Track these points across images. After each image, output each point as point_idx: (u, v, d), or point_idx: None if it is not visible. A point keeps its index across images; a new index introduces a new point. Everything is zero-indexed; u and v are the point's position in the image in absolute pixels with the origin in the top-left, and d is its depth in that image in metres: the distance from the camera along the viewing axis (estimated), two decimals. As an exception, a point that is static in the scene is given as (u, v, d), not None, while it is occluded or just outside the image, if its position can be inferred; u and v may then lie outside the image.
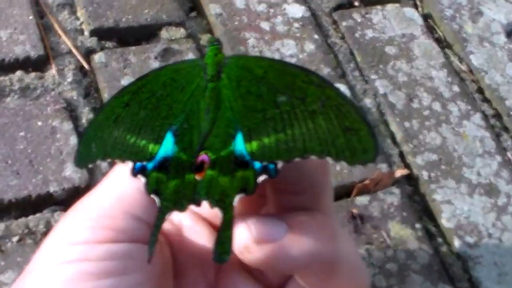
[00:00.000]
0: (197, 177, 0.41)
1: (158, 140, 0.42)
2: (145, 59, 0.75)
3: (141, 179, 0.41)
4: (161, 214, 0.41)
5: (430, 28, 0.86)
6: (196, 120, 0.42)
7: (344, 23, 0.84)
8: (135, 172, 0.42)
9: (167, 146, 0.42)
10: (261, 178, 0.39)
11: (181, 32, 0.79)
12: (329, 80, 0.42)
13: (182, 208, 0.41)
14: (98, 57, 0.74)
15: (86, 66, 0.73)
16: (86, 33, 0.76)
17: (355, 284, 0.45)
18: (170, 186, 0.41)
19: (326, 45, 0.80)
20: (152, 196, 0.41)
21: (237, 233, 0.41)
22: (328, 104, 0.39)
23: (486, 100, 0.81)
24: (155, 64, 0.74)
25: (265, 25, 0.80)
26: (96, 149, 0.43)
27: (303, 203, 0.44)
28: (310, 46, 0.80)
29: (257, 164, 0.40)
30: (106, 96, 0.71)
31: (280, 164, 0.39)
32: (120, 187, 0.43)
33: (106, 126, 0.43)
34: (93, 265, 0.39)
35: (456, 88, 0.80)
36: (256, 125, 0.40)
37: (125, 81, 0.72)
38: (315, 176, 0.43)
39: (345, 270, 0.43)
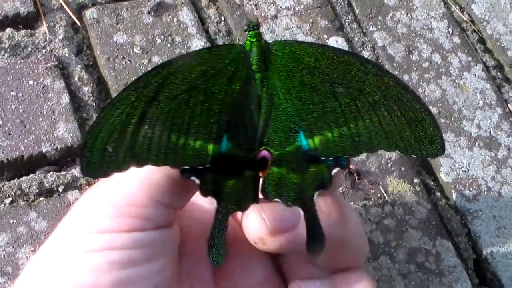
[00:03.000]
0: (261, 174, 0.40)
1: (218, 140, 0.39)
2: (138, 14, 0.73)
3: (195, 181, 0.39)
4: (223, 216, 0.39)
5: (430, -23, 0.84)
6: (248, 113, 0.40)
7: (342, -26, 0.81)
8: (187, 174, 0.39)
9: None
10: (334, 170, 0.39)
11: (174, -15, 0.77)
12: (386, 69, 0.40)
13: (244, 207, 0.39)
14: (89, 13, 0.72)
15: (77, 22, 0.72)
16: (78, -12, 0.75)
17: (358, 255, 0.46)
18: (229, 186, 0.39)
19: (323, -3, 0.79)
20: (209, 198, 0.39)
21: (251, 224, 0.41)
22: (389, 94, 0.38)
23: (487, 50, 0.79)
24: (148, 20, 0.73)
25: (260, -23, 0.78)
26: (117, 153, 0.38)
27: None
28: (307, -2, 0.78)
29: (328, 159, 0.39)
30: (98, 53, 0.70)
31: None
32: (145, 173, 0.40)
33: (126, 125, 0.38)
34: (119, 254, 0.39)
35: (456, 39, 0.78)
36: (316, 119, 0.39)
37: (118, 37, 0.71)
38: None
39: (351, 247, 0.44)
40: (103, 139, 0.37)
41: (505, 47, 0.78)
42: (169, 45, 0.71)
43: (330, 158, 0.39)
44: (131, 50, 0.70)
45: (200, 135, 0.39)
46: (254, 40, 0.41)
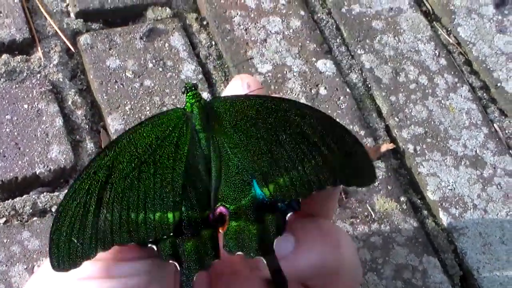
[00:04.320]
0: (220, 230, 0.41)
1: (175, 207, 0.40)
2: (130, 40, 0.75)
3: (153, 247, 0.40)
4: (187, 277, 0.40)
5: (417, 1, 0.86)
6: (197, 174, 0.41)
7: (330, -1, 0.84)
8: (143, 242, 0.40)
9: None
10: (288, 215, 0.40)
11: (167, 12, 0.79)
12: (315, 107, 0.42)
13: (206, 266, 0.40)
14: (83, 39, 0.74)
15: (72, 48, 0.74)
16: (72, 15, 0.77)
17: (353, 281, 0.47)
18: (187, 247, 0.40)
19: (312, 21, 0.80)
20: (171, 261, 0.40)
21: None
22: (325, 132, 0.40)
23: (473, 72, 0.81)
24: (140, 45, 0.74)
25: (251, 3, 0.80)
26: (83, 243, 0.39)
27: (313, 209, 0.45)
28: (296, 23, 0.80)
29: (281, 204, 0.40)
30: (91, 77, 0.72)
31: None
32: None
33: (85, 214, 0.39)
34: (115, 282, 0.39)
35: (443, 61, 0.80)
36: (267, 167, 0.41)
37: (111, 62, 0.73)
38: (330, 196, 0.45)
39: (346, 273, 0.45)
40: (66, 233, 0.39)
41: (491, 69, 0.80)
42: (160, 69, 0.73)
43: (284, 203, 0.40)
44: (123, 74, 0.72)
45: (157, 207, 0.40)
46: (194, 101, 0.42)
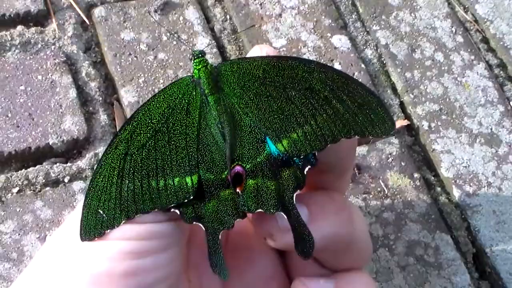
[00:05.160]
0: (238, 189, 0.41)
1: (192, 171, 0.41)
2: (144, 13, 0.75)
3: (176, 211, 0.41)
4: (212, 237, 0.41)
5: (435, -22, 0.85)
6: (210, 137, 0.42)
7: (347, -26, 0.83)
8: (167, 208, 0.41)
9: None
10: (306, 169, 0.40)
11: (182, -15, 0.79)
12: (324, 63, 0.42)
13: (229, 225, 0.41)
14: (98, 11, 0.74)
15: (86, 20, 0.74)
16: (87, -13, 0.77)
17: (362, 256, 0.47)
18: (209, 209, 0.41)
19: (328, -3, 0.80)
20: (195, 223, 0.41)
21: (262, 222, 0.43)
22: (336, 87, 0.41)
23: (490, 49, 0.80)
24: (155, 18, 0.74)
25: (266, -23, 0.80)
26: (109, 213, 0.40)
27: (327, 181, 0.46)
28: (311, -2, 0.79)
29: (296, 159, 0.41)
30: (105, 50, 0.72)
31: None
32: None
33: (109, 186, 0.41)
34: (132, 244, 0.40)
35: (459, 38, 0.79)
36: (279, 124, 0.41)
37: (125, 34, 0.73)
38: (347, 160, 0.45)
39: (356, 248, 0.45)
40: (93, 206, 0.41)
41: (508, 46, 0.79)
42: (174, 43, 0.73)
43: (301, 158, 0.41)
44: (137, 47, 0.72)
45: (175, 173, 0.41)
46: (200, 66, 0.43)
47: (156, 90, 0.69)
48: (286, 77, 0.41)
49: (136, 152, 0.41)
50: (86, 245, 0.40)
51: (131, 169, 0.41)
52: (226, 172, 0.42)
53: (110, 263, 0.39)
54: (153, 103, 0.42)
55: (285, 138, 0.41)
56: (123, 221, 0.40)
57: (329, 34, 0.76)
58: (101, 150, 0.65)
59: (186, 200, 0.41)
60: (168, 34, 0.73)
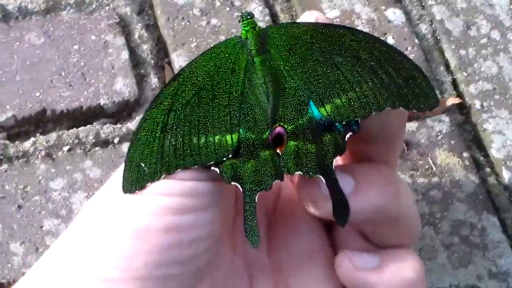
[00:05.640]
0: (278, 150, 0.41)
1: (233, 129, 0.41)
2: (199, -23, 0.74)
3: (216, 170, 0.41)
4: (249, 198, 0.41)
5: (495, -46, 0.83)
6: (254, 96, 0.42)
7: None
8: (207, 166, 0.41)
9: None
10: (348, 135, 0.40)
11: (237, -49, 0.78)
12: (372, 34, 0.42)
13: (267, 186, 0.41)
14: (153, -26, 0.74)
15: (140, -18, 0.74)
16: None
17: (409, 233, 0.46)
18: (248, 168, 0.41)
19: (384, -31, 0.79)
20: (233, 183, 0.41)
21: (305, 186, 0.43)
22: (382, 58, 0.41)
23: (549, 30, 0.78)
24: (209, -17, 0.74)
25: None
26: (150, 167, 0.41)
27: (374, 152, 0.45)
28: (367, -31, 0.78)
29: (338, 124, 0.41)
30: (158, 13, 0.72)
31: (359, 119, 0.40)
32: None
33: (152, 140, 0.41)
34: (173, 200, 0.40)
35: (517, 17, 0.77)
36: (323, 88, 0.41)
37: (179, -2, 0.72)
38: (392, 127, 0.44)
39: (403, 223, 0.45)
40: (136, 159, 0.41)
41: None
42: (228, 9, 0.73)
43: (343, 124, 0.41)
44: (190, 12, 0.72)
45: (216, 130, 0.41)
46: (248, 28, 0.43)
47: (208, 56, 0.69)
48: (333, 43, 0.41)
49: (180, 108, 0.41)
50: (129, 199, 0.41)
51: (174, 124, 0.41)
52: (267, 133, 0.42)
53: (151, 218, 0.40)
54: (200, 61, 0.43)
55: (329, 103, 0.41)
56: (163, 176, 0.40)
57: (383, 7, 0.75)
58: (151, 113, 0.66)
59: (225, 158, 0.41)
60: (222, 0, 0.73)
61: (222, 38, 0.71)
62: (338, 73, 0.41)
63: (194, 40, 0.70)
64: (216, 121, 0.41)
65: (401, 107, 0.40)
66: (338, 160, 0.47)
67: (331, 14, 0.74)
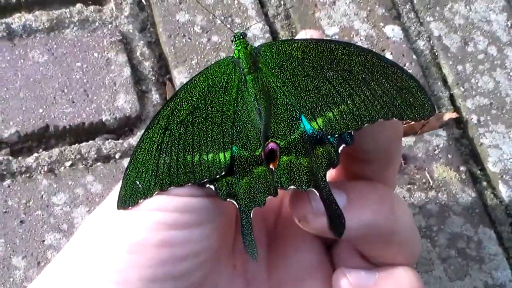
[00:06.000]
0: (271, 166, 0.42)
1: (226, 147, 0.42)
2: (200, -4, 0.76)
3: (211, 187, 0.42)
4: (244, 214, 0.42)
5: (493, -30, 0.84)
6: (246, 114, 0.43)
7: (403, -36, 0.82)
8: (203, 183, 0.42)
9: None
10: (341, 147, 0.41)
11: (238, -31, 0.79)
12: (366, 48, 0.42)
13: (261, 202, 0.42)
14: (155, -8, 0.76)
15: (143, 1, 0.75)
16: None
17: (408, 252, 0.46)
18: (242, 185, 0.42)
19: (382, -14, 0.80)
20: (229, 200, 0.42)
21: (296, 202, 0.43)
22: (375, 70, 0.41)
23: (546, 46, 0.79)
24: (210, 1, 0.75)
25: (322, -36, 0.80)
26: (144, 184, 0.42)
27: (371, 172, 0.46)
28: (366, -14, 0.79)
29: (331, 137, 0.41)
30: (160, 30, 0.73)
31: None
32: None
33: (148, 159, 0.42)
34: (169, 216, 0.41)
35: (514, 33, 0.78)
36: (315, 103, 0.42)
37: (180, 16, 0.74)
38: (388, 148, 0.45)
39: (400, 241, 0.45)
40: (132, 176, 0.42)
41: None
42: (228, 26, 0.74)
43: (335, 136, 0.41)
44: (191, 29, 0.73)
45: (209, 148, 0.42)
46: (240, 47, 0.44)
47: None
48: (324, 58, 0.42)
49: (175, 127, 0.42)
50: (126, 215, 0.42)
51: (169, 143, 0.42)
52: (260, 149, 0.42)
53: (145, 233, 0.41)
54: (195, 81, 0.44)
55: (320, 117, 0.41)
56: (156, 192, 0.41)
57: (382, 24, 0.77)
58: (152, 128, 0.67)
59: (218, 176, 0.42)
60: (223, 17, 0.74)
61: (223, 55, 0.72)
62: (329, 87, 0.41)
63: (195, 57, 0.72)
64: (209, 139, 0.42)
65: (394, 118, 0.40)
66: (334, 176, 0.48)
67: (330, 31, 0.75)
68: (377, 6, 0.78)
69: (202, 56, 0.72)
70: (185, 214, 0.41)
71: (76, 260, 0.42)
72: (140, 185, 0.42)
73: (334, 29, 0.75)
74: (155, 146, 0.42)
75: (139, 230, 0.41)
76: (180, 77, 0.70)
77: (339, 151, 0.41)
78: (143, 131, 0.63)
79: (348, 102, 0.41)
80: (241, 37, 0.45)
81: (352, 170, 0.46)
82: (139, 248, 0.40)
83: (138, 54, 0.72)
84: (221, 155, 0.42)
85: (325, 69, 0.42)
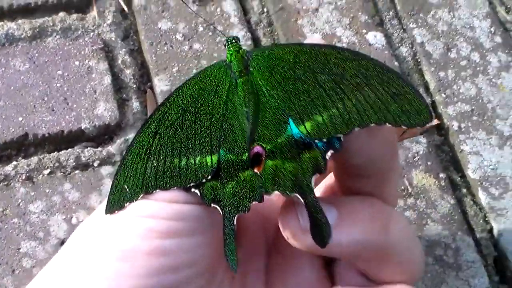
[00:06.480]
0: (256, 170, 0.41)
1: (213, 151, 0.42)
2: (183, 4, 0.76)
3: (196, 192, 0.41)
4: (228, 221, 0.41)
5: (478, -24, 0.84)
6: (235, 118, 0.43)
7: (387, -30, 0.83)
8: (188, 187, 0.41)
9: None
10: (328, 153, 0.40)
11: (222, -23, 0.80)
12: (362, 52, 0.41)
13: (245, 208, 0.41)
14: (138, 0, 0.76)
15: (126, 9, 0.75)
16: (129, -24, 0.78)
17: (407, 270, 0.45)
18: (227, 190, 0.41)
19: (366, -8, 0.80)
20: (213, 205, 0.41)
21: (285, 218, 0.42)
22: (369, 75, 0.40)
23: (529, 51, 0.79)
24: (193, 9, 0.76)
25: (306, -29, 0.80)
26: (131, 188, 0.42)
27: (367, 187, 0.44)
28: (349, -7, 0.79)
29: (319, 142, 0.40)
30: (143, 38, 0.73)
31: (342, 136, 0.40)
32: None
33: (137, 162, 0.42)
34: (161, 223, 0.41)
35: (498, 39, 0.78)
36: (304, 106, 0.41)
37: (162, 24, 0.74)
38: (383, 163, 0.43)
39: (398, 259, 0.44)
40: (121, 181, 0.42)
41: (548, 49, 0.78)
42: (210, 33, 0.74)
43: (323, 141, 0.40)
44: (173, 37, 0.74)
45: (197, 152, 0.42)
46: (233, 51, 0.44)
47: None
48: (317, 62, 0.41)
49: (165, 131, 0.42)
50: (118, 222, 0.41)
51: (157, 147, 0.42)
52: (247, 154, 0.42)
53: (136, 240, 0.40)
54: (187, 85, 0.44)
55: (309, 120, 0.40)
56: (141, 195, 0.41)
57: (364, 31, 0.77)
58: (131, 136, 0.67)
59: (204, 180, 0.41)
60: (205, 25, 0.75)
61: (204, 62, 0.72)
62: (320, 90, 0.40)
63: (176, 64, 0.72)
64: (197, 143, 0.42)
65: (388, 124, 0.39)
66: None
67: (312, 38, 0.75)
68: (360, 13, 0.78)
69: (183, 64, 0.72)
70: (179, 222, 0.41)
71: (67, 266, 0.41)
72: (128, 189, 0.42)
73: (316, 36, 0.76)
74: (144, 149, 0.42)
75: (130, 237, 0.40)
76: (160, 84, 0.70)
77: (327, 157, 0.40)
78: (123, 138, 0.64)
79: (339, 105, 0.40)
80: (234, 41, 0.44)
81: (349, 185, 0.45)
82: (129, 255, 0.40)
83: (119, 62, 0.72)
84: (208, 159, 0.42)
85: (317, 73, 0.41)
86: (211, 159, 0.42)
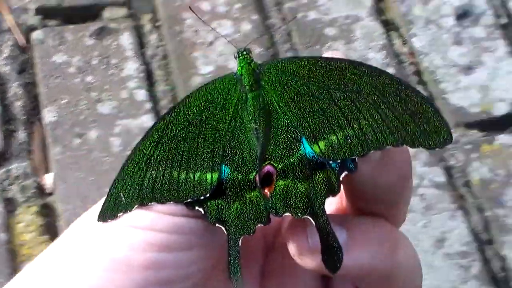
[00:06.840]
0: (267, 191, 0.39)
1: (214, 168, 0.40)
2: (80, 37, 0.78)
3: (200, 210, 0.39)
4: (232, 242, 0.39)
5: (378, 10, 0.86)
6: (243, 134, 0.40)
7: (288, 4, 0.84)
8: (191, 206, 0.39)
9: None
10: (342, 174, 0.38)
11: (123, 12, 0.82)
12: (380, 68, 0.39)
13: (250, 230, 0.39)
14: (36, 34, 0.78)
15: (20, 42, 0.77)
16: (32, 11, 0.81)
17: None
18: (232, 211, 0.39)
19: (263, 26, 0.82)
20: (218, 225, 0.39)
21: (293, 237, 0.40)
22: (387, 92, 0.38)
23: (422, 82, 0.80)
24: (89, 42, 0.78)
25: (206, 6, 0.82)
26: (127, 197, 0.40)
27: (377, 210, 0.42)
28: (246, 27, 0.81)
29: (333, 163, 0.37)
30: (38, 72, 0.75)
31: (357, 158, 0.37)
32: None
33: (136, 171, 0.40)
34: (157, 236, 0.39)
35: (391, 70, 0.80)
36: (318, 125, 0.38)
37: (58, 57, 0.76)
38: (395, 194, 0.41)
39: (402, 281, 0.42)
40: (118, 189, 0.40)
41: (439, 80, 0.79)
42: (104, 66, 0.76)
43: (337, 162, 0.38)
44: (66, 70, 0.75)
45: (198, 167, 0.40)
46: (243, 63, 0.41)
47: (77, 111, 0.72)
48: (332, 78, 0.39)
49: (167, 141, 0.40)
50: (110, 230, 0.39)
51: (158, 157, 0.40)
52: (254, 173, 0.39)
53: (130, 252, 0.38)
54: (195, 95, 0.41)
55: (323, 140, 0.38)
56: (136, 206, 0.39)
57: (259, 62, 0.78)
58: (14, 166, 0.69)
59: (202, 197, 0.39)
60: (100, 58, 0.77)
61: (94, 94, 0.74)
62: (335, 108, 0.38)
63: (66, 96, 0.74)
64: (199, 157, 0.40)
65: (405, 145, 0.37)
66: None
67: (205, 70, 0.77)
68: (255, 45, 0.80)
69: (73, 96, 0.74)
70: (176, 235, 0.39)
71: (52, 268, 0.40)
72: (123, 198, 0.40)
73: (209, 68, 0.77)
74: (144, 159, 0.40)
75: (124, 248, 0.39)
76: (48, 116, 0.72)
77: (341, 179, 0.37)
78: (4, 168, 0.65)
79: (355, 125, 0.37)
80: (245, 53, 0.42)
81: (358, 206, 0.43)
82: (121, 267, 0.38)
83: (11, 94, 0.74)
84: (208, 176, 0.39)
85: (332, 89, 0.38)
86: (211, 176, 0.39)
